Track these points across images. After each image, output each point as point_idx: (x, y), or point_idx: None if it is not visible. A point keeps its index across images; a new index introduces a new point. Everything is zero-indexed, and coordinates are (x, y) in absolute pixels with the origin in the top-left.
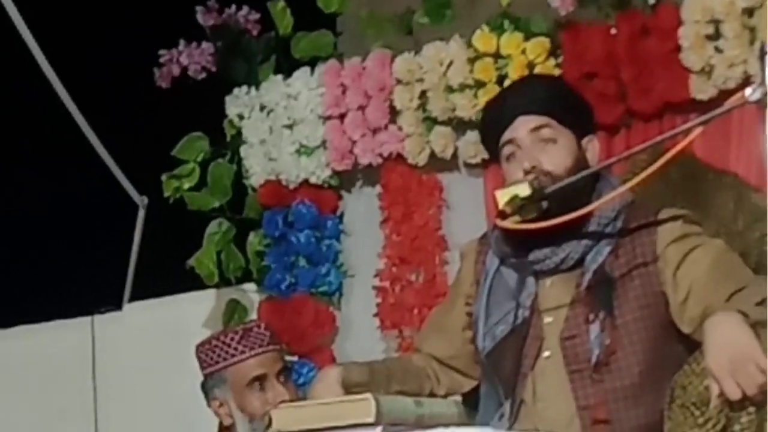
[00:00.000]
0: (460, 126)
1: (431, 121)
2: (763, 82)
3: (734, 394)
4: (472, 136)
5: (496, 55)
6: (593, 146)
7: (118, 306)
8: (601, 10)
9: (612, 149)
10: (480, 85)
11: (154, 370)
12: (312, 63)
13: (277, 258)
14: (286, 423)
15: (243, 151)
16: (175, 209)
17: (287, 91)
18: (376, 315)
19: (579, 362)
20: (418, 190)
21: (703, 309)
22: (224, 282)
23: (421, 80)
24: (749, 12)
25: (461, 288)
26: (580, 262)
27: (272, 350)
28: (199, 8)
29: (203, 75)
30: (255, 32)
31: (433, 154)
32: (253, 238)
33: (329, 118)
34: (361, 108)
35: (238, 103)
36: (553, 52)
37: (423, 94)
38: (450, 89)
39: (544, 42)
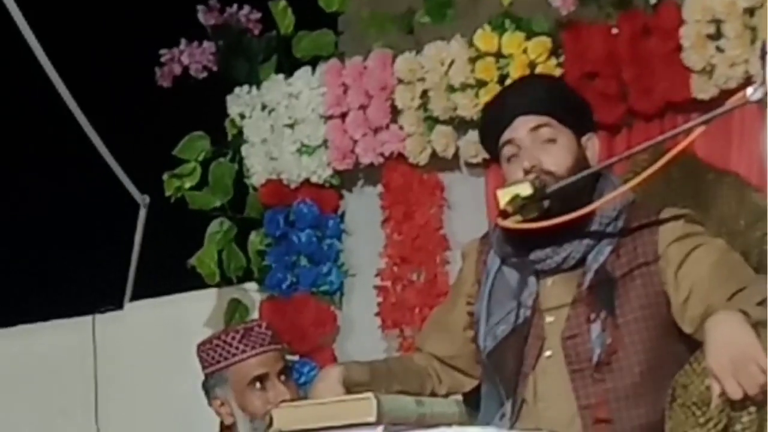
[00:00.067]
0: (461, 125)
1: (432, 121)
2: (764, 82)
3: (735, 394)
4: (474, 135)
5: (498, 55)
6: (593, 144)
7: (119, 305)
8: (602, 9)
9: (613, 149)
10: (481, 84)
11: (155, 369)
12: (313, 62)
13: (278, 257)
14: (287, 422)
15: (244, 150)
16: (176, 208)
17: (288, 91)
18: (377, 314)
19: (580, 362)
20: (419, 190)
21: (705, 309)
22: (225, 281)
23: (422, 80)
24: (750, 12)
25: (462, 287)
26: (581, 261)
27: (273, 350)
28: (200, 7)
29: (204, 74)
30: (256, 31)
31: (434, 154)
32: (254, 237)
33: (330, 117)
34: (363, 107)
35: (239, 102)
36: (554, 52)
37: (424, 94)
38: (451, 89)
39: (545, 42)
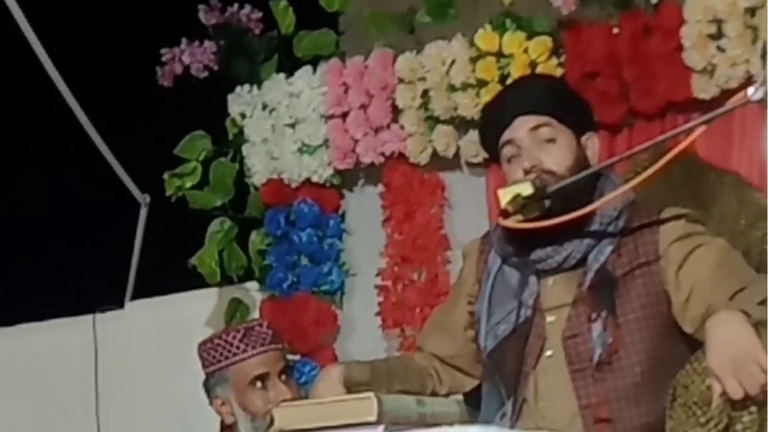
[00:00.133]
0: (462, 125)
1: (433, 120)
2: (765, 82)
3: (736, 394)
4: (474, 135)
5: (499, 54)
6: (593, 143)
7: (120, 304)
8: (603, 9)
9: (614, 148)
10: (482, 84)
11: (156, 368)
12: (314, 62)
13: (279, 257)
14: (287, 422)
15: (245, 149)
16: (177, 208)
17: (289, 90)
18: (378, 314)
19: (581, 361)
20: (420, 189)
21: (706, 308)
22: (226, 281)
23: (423, 79)
24: (751, 11)
25: (463, 287)
26: (582, 261)
27: (274, 349)
28: (201, 7)
29: (205, 74)
30: (257, 31)
31: (435, 153)
32: (255, 236)
33: (331, 117)
34: (363, 107)
35: (240, 101)
36: (555, 52)
37: (425, 93)
38: (452, 88)
39: (546, 41)
